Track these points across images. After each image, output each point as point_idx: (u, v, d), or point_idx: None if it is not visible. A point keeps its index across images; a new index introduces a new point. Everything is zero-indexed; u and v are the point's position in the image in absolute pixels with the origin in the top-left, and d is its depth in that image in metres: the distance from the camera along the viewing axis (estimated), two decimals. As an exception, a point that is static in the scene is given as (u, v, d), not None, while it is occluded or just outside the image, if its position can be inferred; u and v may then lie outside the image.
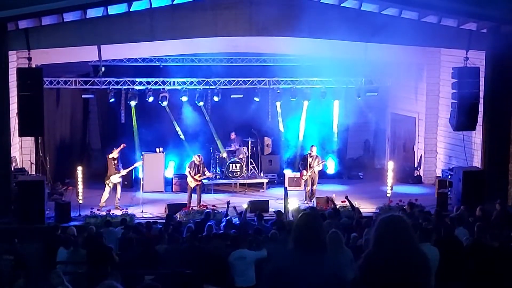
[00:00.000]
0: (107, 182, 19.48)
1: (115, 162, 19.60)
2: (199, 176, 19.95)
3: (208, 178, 21.68)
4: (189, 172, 19.99)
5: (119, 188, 19.64)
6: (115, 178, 19.46)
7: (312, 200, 20.08)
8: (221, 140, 22.82)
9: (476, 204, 16.27)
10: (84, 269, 12.43)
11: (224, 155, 22.32)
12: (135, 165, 20.32)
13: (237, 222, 16.16)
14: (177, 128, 22.52)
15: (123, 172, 19.69)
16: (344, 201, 18.34)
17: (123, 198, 19.92)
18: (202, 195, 20.42)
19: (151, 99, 21.45)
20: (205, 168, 20.26)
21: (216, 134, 22.74)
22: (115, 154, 19.62)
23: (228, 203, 17.42)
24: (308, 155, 20.78)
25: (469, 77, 19.21)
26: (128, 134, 22.56)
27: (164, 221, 16.41)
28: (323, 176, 22.59)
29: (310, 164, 20.52)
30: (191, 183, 19.95)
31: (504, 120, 19.23)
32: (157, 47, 20.59)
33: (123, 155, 20.47)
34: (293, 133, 23.50)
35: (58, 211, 18.23)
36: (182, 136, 22.46)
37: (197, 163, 20.05)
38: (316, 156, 20.75)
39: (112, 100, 21.37)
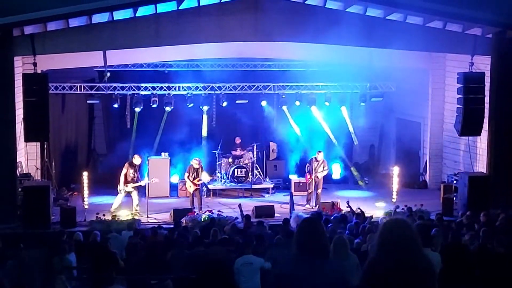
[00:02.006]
0: (120, 189, 19.29)
1: (135, 170, 19.41)
2: (198, 180, 19.96)
3: (213, 183, 21.74)
4: (188, 177, 19.99)
5: (135, 195, 19.45)
6: (130, 187, 19.33)
7: (318, 205, 20.07)
8: (226, 145, 22.80)
9: (481, 209, 16.25)
10: (69, 276, 12.38)
11: (230, 160, 22.33)
12: (151, 180, 20.08)
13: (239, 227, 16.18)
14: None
15: (142, 183, 19.51)
16: (348, 207, 18.38)
17: (129, 203, 19.74)
18: (207, 199, 20.42)
19: (156, 105, 21.45)
20: (203, 172, 20.27)
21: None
22: (136, 161, 19.52)
23: (240, 206, 17.42)
24: (314, 159, 20.77)
25: (475, 82, 19.18)
26: (133, 138, 22.58)
27: (170, 226, 16.42)
28: (328, 181, 22.60)
29: (315, 169, 20.52)
30: (190, 188, 19.95)
31: (510, 125, 19.16)
32: (162, 52, 20.63)
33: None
34: (302, 137, 23.44)
35: (63, 216, 18.24)
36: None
37: (196, 167, 20.03)
38: (323, 161, 20.73)
39: (116, 105, 21.38)
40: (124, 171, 19.35)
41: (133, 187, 19.36)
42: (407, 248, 4.84)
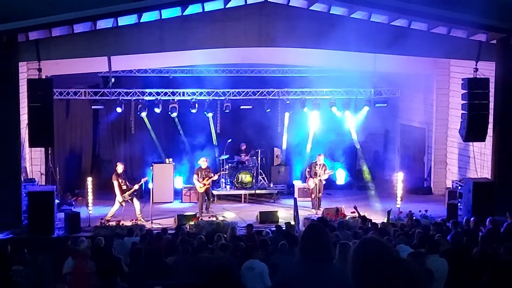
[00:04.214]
0: (120, 201, 19.26)
1: (122, 179, 19.42)
2: (207, 180, 19.96)
3: (217, 188, 21.75)
4: (197, 179, 20.03)
5: (136, 201, 19.42)
6: (127, 196, 19.32)
7: (322, 210, 20.06)
8: (231, 151, 22.81)
9: (486, 215, 16.21)
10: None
11: (234, 165, 22.34)
12: (142, 181, 20.13)
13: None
14: (184, 139, 22.64)
15: (136, 186, 19.61)
16: (354, 212, 18.39)
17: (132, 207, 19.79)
18: (211, 204, 20.48)
19: (159, 110, 21.44)
20: (211, 172, 20.33)
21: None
22: (119, 169, 19.50)
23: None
24: (315, 163, 20.81)
25: (479, 88, 19.15)
26: (137, 144, 22.55)
27: (173, 231, 16.41)
28: (333, 186, 22.58)
29: (316, 173, 20.56)
30: (200, 189, 19.97)
31: (514, 131, 19.17)
32: (167, 58, 20.65)
33: (138, 167, 20.42)
34: (305, 143, 23.45)
35: (67, 221, 18.26)
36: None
37: (204, 166, 20.11)
38: (323, 165, 20.78)
39: (119, 110, 21.32)
40: (116, 183, 19.27)
41: (130, 195, 19.35)
42: (387, 268, 4.15)
